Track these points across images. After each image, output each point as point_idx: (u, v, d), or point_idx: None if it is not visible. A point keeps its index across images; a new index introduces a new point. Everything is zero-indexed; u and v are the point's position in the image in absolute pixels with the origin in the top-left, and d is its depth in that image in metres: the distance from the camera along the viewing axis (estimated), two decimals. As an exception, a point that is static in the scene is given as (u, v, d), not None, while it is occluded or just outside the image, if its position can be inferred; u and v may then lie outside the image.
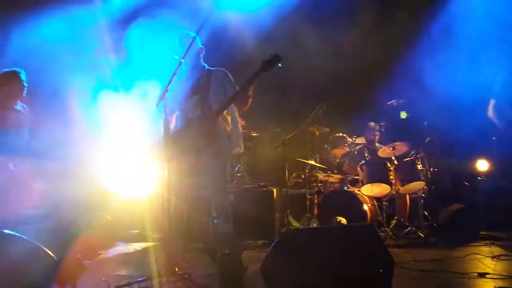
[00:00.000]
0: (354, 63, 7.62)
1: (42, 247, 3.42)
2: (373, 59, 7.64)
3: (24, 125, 4.49)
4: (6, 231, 3.40)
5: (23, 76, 4.67)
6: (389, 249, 3.49)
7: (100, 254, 3.64)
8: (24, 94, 4.66)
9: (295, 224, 6.83)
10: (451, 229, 5.89)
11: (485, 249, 5.20)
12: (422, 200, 6.41)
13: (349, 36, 7.61)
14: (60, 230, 4.05)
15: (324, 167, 7.22)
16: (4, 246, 3.25)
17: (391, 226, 6.27)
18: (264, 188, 6.39)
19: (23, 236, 3.41)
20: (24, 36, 5.69)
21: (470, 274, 4.07)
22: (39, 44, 5.74)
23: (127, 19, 5.99)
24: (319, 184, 6.92)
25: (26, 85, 4.67)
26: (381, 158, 6.68)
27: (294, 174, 7.69)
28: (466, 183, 6.52)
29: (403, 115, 7.32)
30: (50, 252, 3.43)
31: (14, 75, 4.64)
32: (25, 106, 4.71)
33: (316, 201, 6.84)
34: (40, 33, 5.81)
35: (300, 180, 7.54)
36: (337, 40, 7.62)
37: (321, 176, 6.98)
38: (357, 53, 7.64)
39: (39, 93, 4.94)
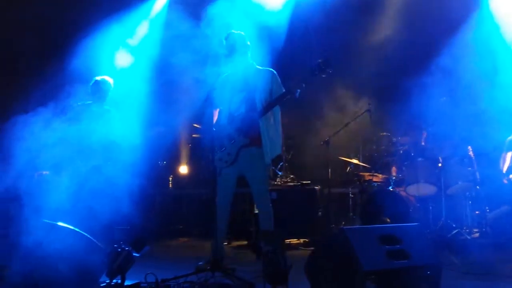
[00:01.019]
0: (400, 59, 7.48)
1: (93, 239, 3.56)
2: (420, 55, 7.46)
3: (108, 125, 5.01)
4: (60, 223, 3.55)
5: (111, 82, 5.39)
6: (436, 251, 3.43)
7: (148, 248, 3.72)
8: (106, 98, 5.34)
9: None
10: (500, 231, 5.73)
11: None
12: (470, 201, 6.25)
13: (396, 31, 7.48)
14: (110, 225, 4.20)
15: (368, 166, 7.13)
16: (57, 237, 3.40)
17: (438, 227, 6.14)
18: (307, 187, 6.38)
19: (75, 229, 3.55)
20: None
21: (521, 278, 3.96)
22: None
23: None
24: (363, 183, 6.84)
25: (111, 89, 5.37)
26: (427, 158, 6.54)
27: (337, 173, 7.63)
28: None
29: None
30: (100, 245, 3.57)
31: (105, 81, 5.35)
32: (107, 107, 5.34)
33: (359, 200, 6.77)
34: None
35: (343, 179, 7.47)
36: (384, 36, 7.51)
37: (365, 175, 6.90)
38: (403, 49, 7.49)
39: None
